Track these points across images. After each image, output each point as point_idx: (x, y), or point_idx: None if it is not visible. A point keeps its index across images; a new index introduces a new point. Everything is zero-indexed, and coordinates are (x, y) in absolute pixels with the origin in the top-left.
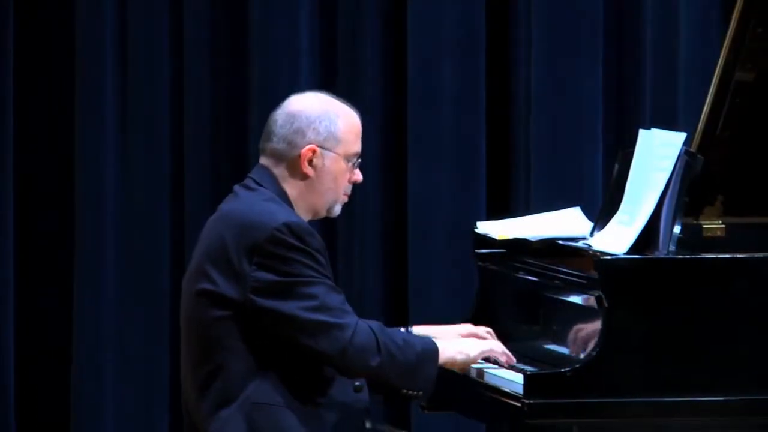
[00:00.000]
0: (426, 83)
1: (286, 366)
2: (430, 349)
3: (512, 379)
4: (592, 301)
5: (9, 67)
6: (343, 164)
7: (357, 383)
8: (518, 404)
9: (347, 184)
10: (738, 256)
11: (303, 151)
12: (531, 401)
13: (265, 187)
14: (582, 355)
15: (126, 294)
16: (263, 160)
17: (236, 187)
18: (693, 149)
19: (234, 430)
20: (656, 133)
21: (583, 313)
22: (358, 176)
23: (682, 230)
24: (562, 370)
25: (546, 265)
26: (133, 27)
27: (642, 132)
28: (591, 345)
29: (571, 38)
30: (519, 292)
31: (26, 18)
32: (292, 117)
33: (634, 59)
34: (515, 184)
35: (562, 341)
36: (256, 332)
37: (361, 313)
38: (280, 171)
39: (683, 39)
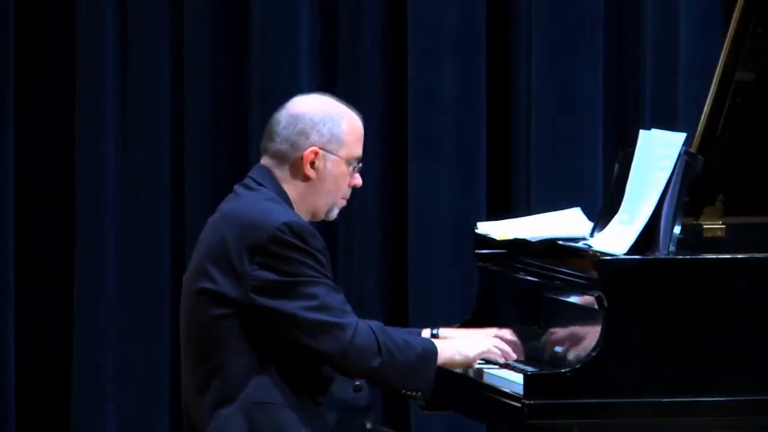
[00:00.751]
0: (426, 83)
1: (286, 365)
2: (429, 349)
3: (512, 380)
4: (592, 302)
5: (9, 67)
6: (344, 167)
7: (357, 383)
8: (518, 404)
9: (347, 188)
10: (738, 256)
11: (306, 153)
12: (531, 401)
13: (265, 187)
14: (582, 356)
15: (126, 294)
16: (264, 161)
17: (237, 187)
18: (693, 149)
19: (234, 429)
20: (656, 133)
21: (583, 314)
22: (358, 180)
23: (682, 230)
24: (562, 370)
25: (546, 266)
26: (134, 27)
27: (642, 132)
28: (591, 345)
29: (571, 38)
30: (519, 293)
31: (26, 18)
32: (295, 118)
33: (634, 59)
34: (515, 184)
35: (562, 341)
36: (256, 331)
37: (361, 313)
38: (281, 172)
39: (683, 39)
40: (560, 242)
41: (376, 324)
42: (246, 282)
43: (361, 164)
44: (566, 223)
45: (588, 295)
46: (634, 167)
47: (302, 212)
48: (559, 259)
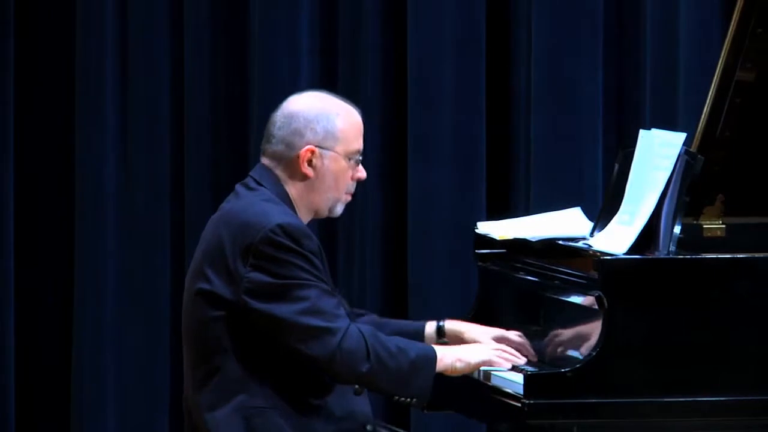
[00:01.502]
0: (426, 83)
1: (283, 367)
2: (426, 356)
3: (512, 379)
4: (592, 301)
5: (9, 67)
6: (343, 163)
7: (356, 386)
8: (518, 404)
9: (350, 182)
10: (738, 256)
11: (301, 152)
12: (531, 401)
13: (265, 187)
14: (582, 356)
15: (126, 294)
16: (264, 161)
17: (238, 186)
18: (693, 149)
19: (231, 430)
20: (656, 133)
21: (583, 314)
22: (362, 173)
23: (682, 230)
24: (563, 370)
25: (546, 265)
26: (134, 27)
27: (642, 132)
28: (591, 345)
29: (571, 38)
30: (519, 292)
31: (27, 18)
32: (289, 118)
33: (634, 59)
34: (515, 184)
35: (562, 341)
36: (250, 334)
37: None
38: (280, 172)
39: (683, 39)
40: (560, 242)
41: (367, 329)
42: (239, 284)
43: (362, 157)
44: (566, 223)
45: (588, 295)
46: (634, 167)
47: (304, 211)
48: (559, 259)
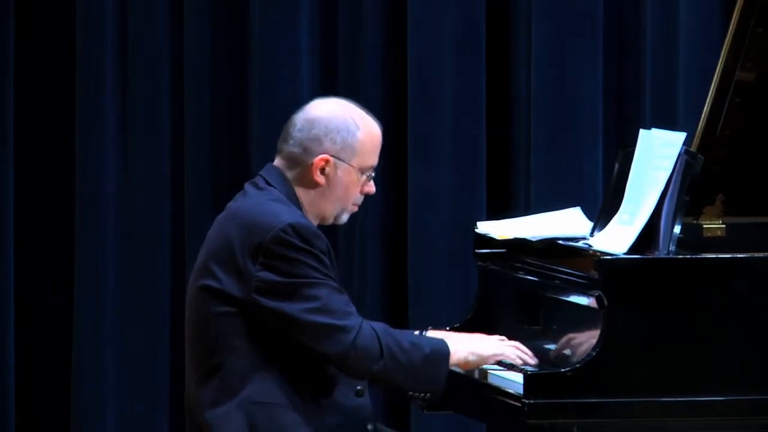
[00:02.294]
0: (426, 83)
1: (288, 366)
2: (440, 351)
3: (512, 379)
4: (592, 301)
5: (9, 67)
6: (355, 176)
7: (359, 387)
8: (518, 404)
9: (358, 195)
10: (738, 256)
11: (316, 159)
12: (531, 401)
13: (275, 188)
14: (582, 355)
15: (126, 294)
16: (277, 161)
17: (247, 185)
18: (693, 149)
19: (234, 427)
20: (656, 133)
21: (583, 313)
22: (371, 188)
23: (682, 230)
24: (563, 370)
25: (546, 265)
26: (134, 27)
27: (642, 132)
28: (591, 345)
29: (571, 38)
30: (519, 292)
31: (26, 18)
32: (311, 123)
33: (634, 59)
34: (515, 184)
35: (562, 341)
36: (258, 331)
37: (362, 313)
38: (292, 174)
39: (683, 39)
40: (560, 242)
41: (380, 326)
42: (249, 282)
43: (374, 173)
44: (566, 223)
45: (588, 294)
46: (634, 167)
47: (310, 216)
48: (559, 259)
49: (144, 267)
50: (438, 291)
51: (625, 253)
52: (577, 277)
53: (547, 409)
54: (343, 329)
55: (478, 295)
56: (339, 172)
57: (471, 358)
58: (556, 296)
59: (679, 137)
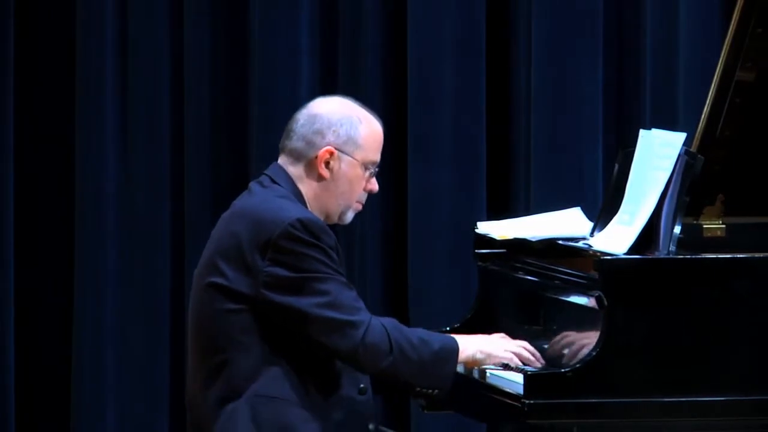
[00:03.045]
0: (426, 83)
1: (295, 361)
2: (449, 347)
3: (512, 379)
4: (592, 301)
5: (9, 67)
6: (359, 170)
7: (362, 385)
8: (518, 404)
9: (362, 191)
10: (738, 256)
11: (320, 152)
12: (531, 401)
13: (280, 185)
14: (582, 356)
15: (126, 294)
16: (281, 159)
17: (251, 184)
18: (693, 149)
19: (239, 422)
20: (656, 133)
21: (583, 314)
22: (374, 185)
23: (682, 230)
24: (562, 370)
25: (546, 265)
26: (134, 27)
27: (642, 132)
28: (591, 345)
29: (571, 38)
30: (519, 293)
31: (26, 18)
32: (313, 117)
33: (634, 59)
34: (515, 184)
35: (562, 341)
36: (266, 327)
37: None
38: (296, 170)
39: (683, 39)
40: (560, 242)
41: (389, 321)
42: (258, 278)
43: (377, 170)
44: (566, 223)
45: (588, 295)
46: (634, 167)
47: (315, 212)
48: (559, 259)
49: (144, 267)
50: (438, 291)
51: (625, 254)
52: (577, 278)
53: (547, 409)
54: (353, 324)
55: (478, 296)
56: (343, 165)
57: (479, 356)
58: (556, 296)
59: (679, 137)
